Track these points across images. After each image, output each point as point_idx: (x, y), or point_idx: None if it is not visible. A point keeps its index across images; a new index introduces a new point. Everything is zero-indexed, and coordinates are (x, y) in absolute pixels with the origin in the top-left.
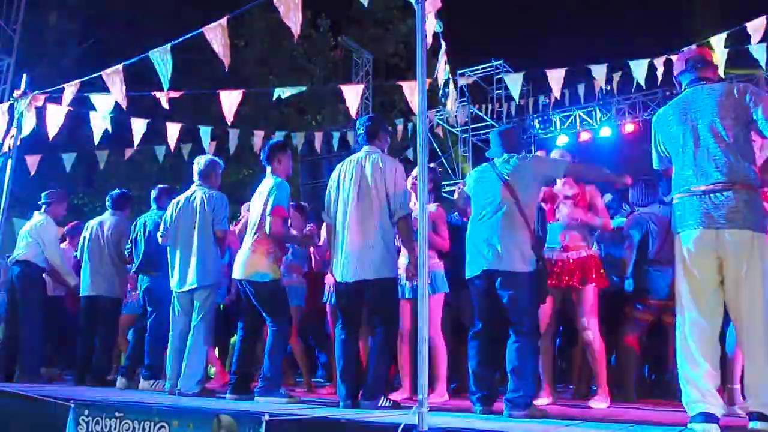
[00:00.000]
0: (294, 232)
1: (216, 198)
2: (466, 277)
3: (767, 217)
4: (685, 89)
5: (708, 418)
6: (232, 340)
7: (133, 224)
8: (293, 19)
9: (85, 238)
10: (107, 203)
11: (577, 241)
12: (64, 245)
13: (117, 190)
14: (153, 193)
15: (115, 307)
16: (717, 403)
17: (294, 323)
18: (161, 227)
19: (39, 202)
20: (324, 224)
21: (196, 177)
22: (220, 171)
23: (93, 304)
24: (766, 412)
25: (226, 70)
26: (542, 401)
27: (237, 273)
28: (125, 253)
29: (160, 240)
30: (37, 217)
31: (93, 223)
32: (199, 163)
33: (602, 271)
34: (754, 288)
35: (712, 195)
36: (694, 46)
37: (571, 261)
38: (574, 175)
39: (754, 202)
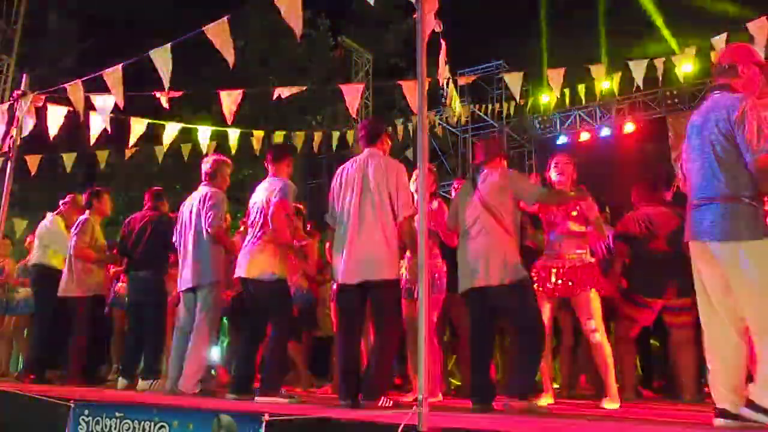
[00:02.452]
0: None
1: (211, 195)
2: (459, 292)
3: (755, 225)
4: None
5: (725, 414)
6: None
7: (126, 222)
8: (295, 19)
9: None
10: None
11: (571, 248)
12: None
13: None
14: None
15: (84, 306)
16: (736, 401)
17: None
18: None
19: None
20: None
21: (202, 177)
22: (227, 171)
23: (64, 305)
24: (728, 407)
25: (232, 68)
26: (544, 401)
27: (242, 272)
28: (110, 250)
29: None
30: (48, 217)
31: None
32: (206, 163)
33: (601, 276)
34: (742, 295)
35: (699, 209)
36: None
37: (566, 268)
38: (543, 203)
39: (735, 212)
